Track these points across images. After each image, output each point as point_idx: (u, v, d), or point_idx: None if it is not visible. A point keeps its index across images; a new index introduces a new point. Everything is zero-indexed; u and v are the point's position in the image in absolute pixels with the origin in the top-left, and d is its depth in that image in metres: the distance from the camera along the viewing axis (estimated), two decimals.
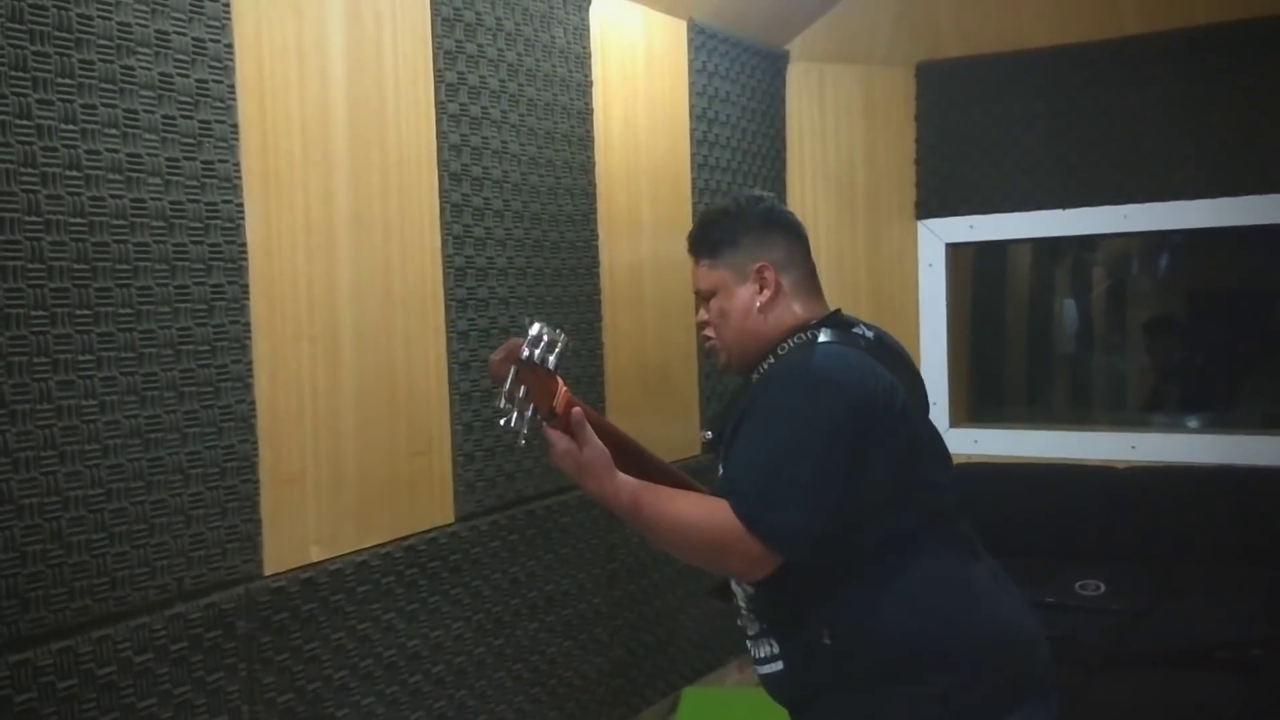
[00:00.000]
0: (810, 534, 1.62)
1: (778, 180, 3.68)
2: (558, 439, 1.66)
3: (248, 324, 1.95)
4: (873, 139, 3.98)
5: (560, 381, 1.64)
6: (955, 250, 4.04)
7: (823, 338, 1.75)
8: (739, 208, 1.88)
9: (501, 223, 2.54)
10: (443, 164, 2.38)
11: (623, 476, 1.68)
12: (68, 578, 1.67)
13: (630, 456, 1.72)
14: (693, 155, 3.24)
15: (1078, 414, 4.30)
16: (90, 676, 1.70)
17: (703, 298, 1.89)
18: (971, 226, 3.97)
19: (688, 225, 3.15)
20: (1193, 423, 3.94)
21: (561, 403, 1.62)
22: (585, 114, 2.78)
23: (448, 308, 2.41)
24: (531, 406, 1.60)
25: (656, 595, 3.06)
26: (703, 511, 1.65)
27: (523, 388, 1.59)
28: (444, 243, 2.39)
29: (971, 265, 4.24)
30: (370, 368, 2.22)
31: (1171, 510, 3.46)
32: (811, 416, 1.64)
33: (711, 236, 1.87)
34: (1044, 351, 4.41)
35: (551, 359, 1.60)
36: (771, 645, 1.77)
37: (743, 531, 1.60)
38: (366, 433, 2.21)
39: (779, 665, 1.77)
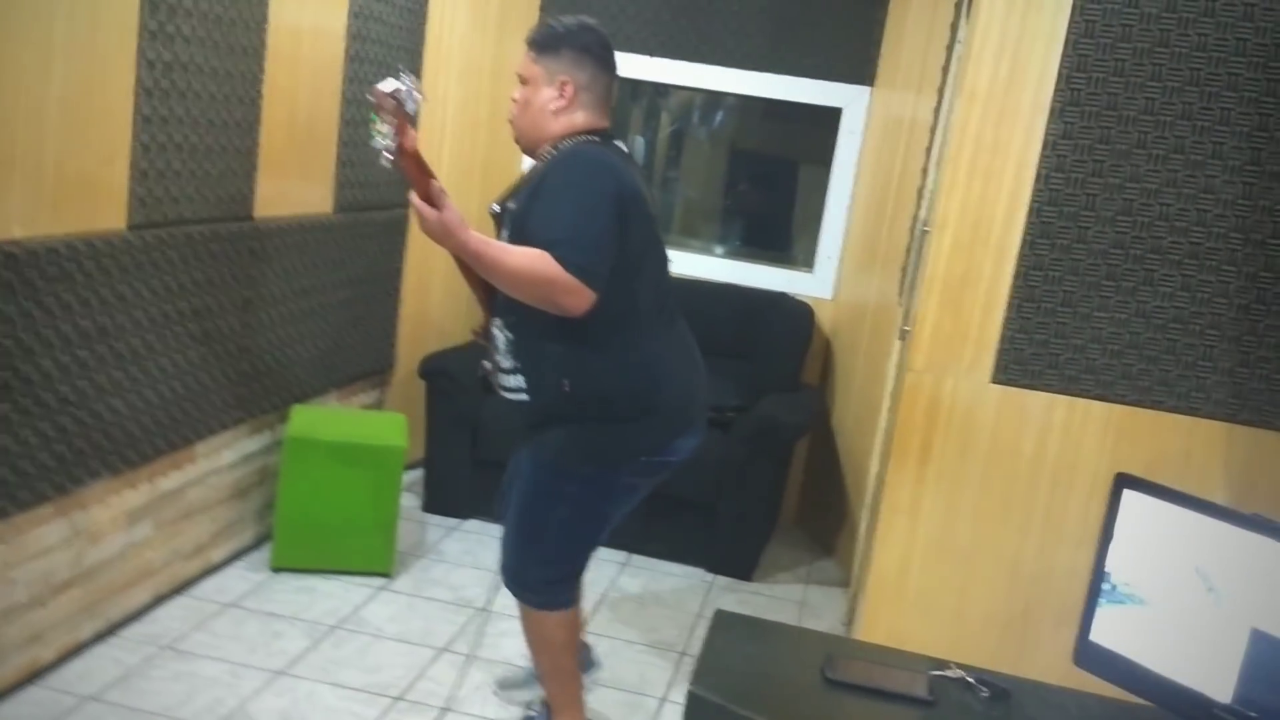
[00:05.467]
0: (605, 273, 2.20)
1: None
2: (423, 209, 2.12)
3: None
4: None
5: (413, 130, 2.13)
6: None
7: (597, 141, 2.40)
8: (572, 30, 2.41)
9: None
10: None
11: (473, 232, 2.17)
12: None
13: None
14: None
15: None
16: None
17: (520, 81, 2.43)
18: None
19: (341, 33, 3.60)
20: (719, 250, 4.99)
21: (410, 144, 2.10)
22: None
23: (141, 35, 2.70)
24: (395, 137, 2.06)
25: (280, 326, 3.56)
26: (531, 257, 2.16)
27: (394, 120, 2.05)
28: None
29: None
30: (75, 76, 2.51)
31: (687, 313, 4.46)
32: (595, 188, 2.26)
33: (543, 39, 2.41)
34: None
35: (414, 107, 2.07)
36: (520, 380, 2.43)
37: (561, 270, 2.14)
38: (65, 135, 2.51)
39: (524, 396, 2.43)
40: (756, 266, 4.75)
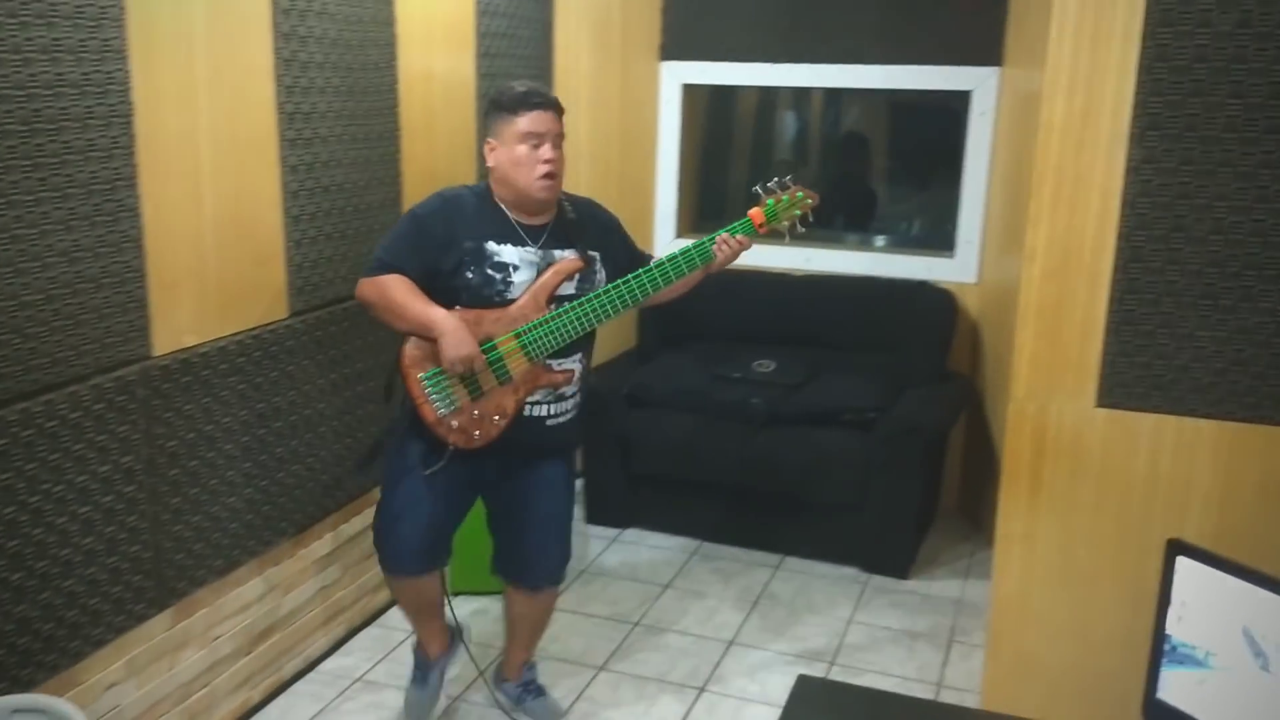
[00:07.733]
0: None
1: (547, 20, 4.30)
2: None
3: (134, 166, 2.53)
4: None
5: None
6: (689, 89, 4.85)
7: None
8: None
9: (322, 73, 3.12)
10: (275, 25, 2.93)
11: None
12: (27, 351, 2.31)
13: None
14: None
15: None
16: (46, 430, 2.36)
17: (556, 143, 2.72)
18: (702, 71, 4.77)
19: (471, 77, 3.83)
20: (879, 241, 5.02)
21: None
22: None
23: (281, 146, 3.01)
24: None
25: None
26: None
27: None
28: (277, 92, 2.97)
29: (706, 102, 5.08)
30: (224, 197, 2.84)
31: (826, 310, 4.55)
32: None
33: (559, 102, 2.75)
34: (759, 178, 5.37)
35: None
36: (576, 402, 2.92)
37: None
38: (222, 249, 2.85)
39: (573, 415, 2.92)
40: (895, 256, 4.76)
